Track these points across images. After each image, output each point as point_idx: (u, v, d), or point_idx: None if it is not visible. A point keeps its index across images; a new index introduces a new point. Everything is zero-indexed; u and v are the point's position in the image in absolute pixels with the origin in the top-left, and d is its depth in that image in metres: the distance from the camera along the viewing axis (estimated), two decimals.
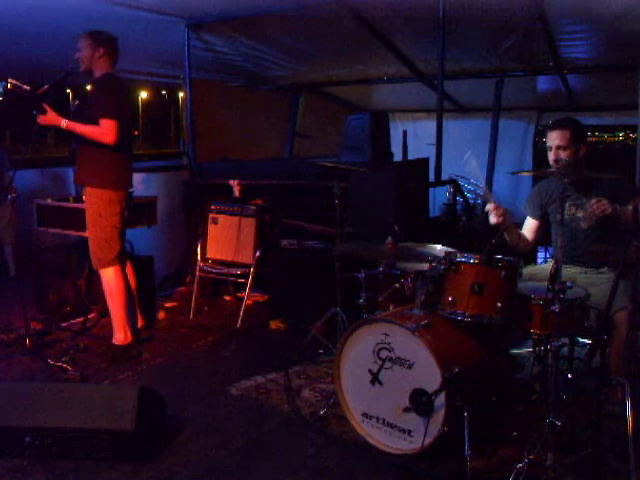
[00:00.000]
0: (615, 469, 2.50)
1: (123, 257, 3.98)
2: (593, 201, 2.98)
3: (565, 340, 3.25)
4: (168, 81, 7.28)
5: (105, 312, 4.48)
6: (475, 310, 2.71)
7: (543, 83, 6.87)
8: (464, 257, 2.80)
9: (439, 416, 2.61)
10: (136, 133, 28.48)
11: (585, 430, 2.63)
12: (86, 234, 4.07)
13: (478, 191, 7.25)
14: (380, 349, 2.82)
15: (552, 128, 3.23)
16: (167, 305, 5.07)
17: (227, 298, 5.32)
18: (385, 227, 3.75)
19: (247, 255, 4.76)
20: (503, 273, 2.71)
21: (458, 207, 5.55)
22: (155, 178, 5.75)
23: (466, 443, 2.55)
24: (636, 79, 5.00)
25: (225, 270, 4.81)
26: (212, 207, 4.98)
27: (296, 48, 5.97)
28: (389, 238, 3.23)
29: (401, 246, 3.29)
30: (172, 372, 3.79)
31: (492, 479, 2.60)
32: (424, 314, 2.85)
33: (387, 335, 2.79)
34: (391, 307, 3.14)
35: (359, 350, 2.91)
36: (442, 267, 2.84)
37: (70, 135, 3.85)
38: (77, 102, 4.03)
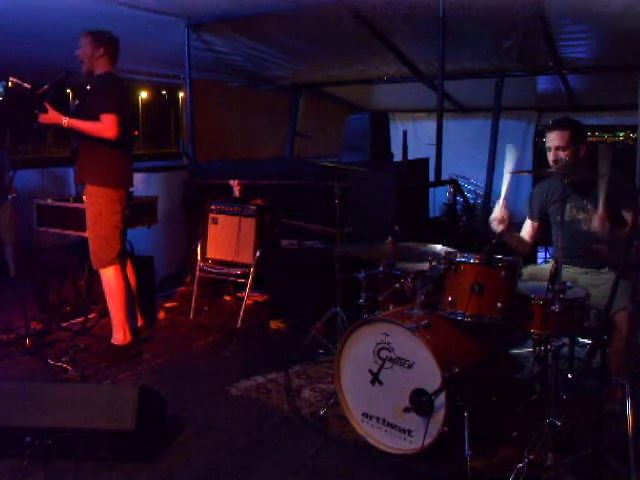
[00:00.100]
0: (615, 469, 2.50)
1: (123, 257, 3.98)
2: (595, 221, 2.99)
3: (565, 340, 3.26)
4: (168, 81, 7.28)
5: (105, 312, 4.48)
6: (475, 310, 2.71)
7: (543, 83, 6.87)
8: (464, 257, 2.80)
9: (439, 416, 2.61)
10: (136, 133, 28.46)
11: (585, 430, 2.63)
12: (86, 234, 4.07)
13: (479, 191, 7.27)
14: (380, 349, 2.82)
15: (551, 129, 3.23)
16: (167, 305, 5.07)
17: (227, 298, 5.32)
18: (385, 227, 3.75)
19: (247, 255, 4.76)
20: (503, 273, 2.71)
21: (458, 207, 5.55)
22: (155, 178, 5.75)
23: (466, 443, 2.56)
24: (636, 79, 5.00)
25: (225, 270, 4.81)
26: (212, 207, 4.98)
27: (296, 48, 5.97)
28: (389, 238, 3.23)
29: (401, 246, 3.29)
30: (172, 372, 3.79)
31: (492, 479, 2.60)
32: (424, 314, 2.85)
33: (387, 335, 2.79)
34: (391, 307, 3.14)
35: (359, 350, 2.91)
36: (442, 267, 2.84)
37: (71, 134, 3.85)
38: (77, 101, 4.03)
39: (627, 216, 3.15)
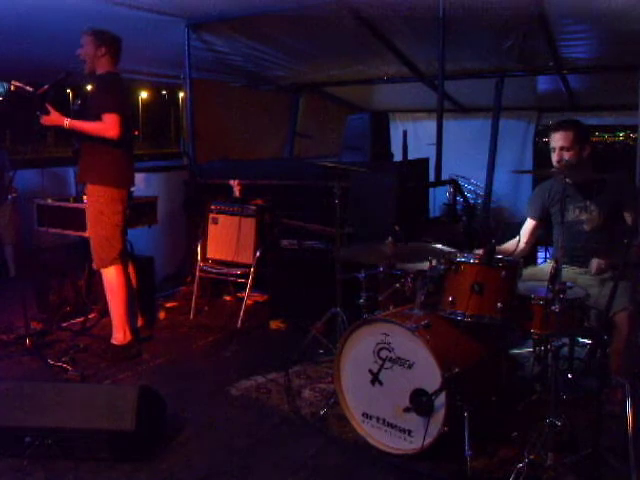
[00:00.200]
0: (615, 469, 2.50)
1: (125, 256, 3.98)
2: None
3: (565, 340, 3.26)
4: (168, 81, 7.28)
5: (105, 312, 4.48)
6: (475, 310, 2.71)
7: (543, 83, 6.87)
8: (464, 257, 2.80)
9: (439, 416, 2.61)
10: (136, 133, 28.49)
11: (585, 430, 2.62)
12: (86, 234, 4.07)
13: (479, 191, 7.27)
14: (380, 349, 2.82)
15: (555, 129, 3.22)
16: (167, 305, 5.07)
17: (227, 298, 5.31)
18: (385, 227, 3.75)
19: (247, 255, 4.76)
20: (503, 273, 2.71)
21: (458, 207, 5.54)
22: (155, 178, 5.75)
23: (466, 443, 2.56)
24: (636, 79, 5.00)
25: (225, 270, 4.81)
26: (212, 207, 4.98)
27: (296, 48, 5.97)
28: (389, 238, 3.23)
29: (401, 246, 3.29)
30: (172, 372, 3.79)
31: (492, 479, 2.60)
32: (424, 314, 2.85)
33: (387, 335, 2.79)
34: (391, 307, 3.14)
35: (359, 350, 2.91)
36: (442, 267, 2.84)
37: (72, 134, 3.85)
38: (79, 102, 4.03)
39: (628, 217, 3.15)
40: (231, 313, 4.80)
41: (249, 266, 4.69)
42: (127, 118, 3.78)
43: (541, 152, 7.62)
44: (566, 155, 3.16)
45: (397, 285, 3.16)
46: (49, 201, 4.52)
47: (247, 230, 4.80)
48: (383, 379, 2.82)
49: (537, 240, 3.60)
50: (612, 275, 3.10)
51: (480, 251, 3.14)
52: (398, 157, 5.05)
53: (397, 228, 3.41)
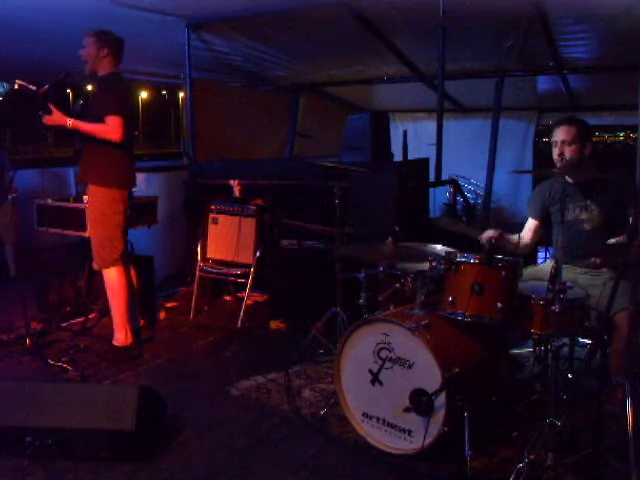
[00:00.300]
0: (615, 469, 2.49)
1: (126, 257, 3.97)
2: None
3: (565, 340, 3.26)
4: (168, 81, 7.28)
5: (105, 312, 4.49)
6: (475, 310, 2.71)
7: (543, 83, 6.87)
8: (464, 257, 2.80)
9: (439, 416, 2.61)
10: (136, 133, 28.44)
11: (585, 430, 2.62)
12: (86, 234, 4.07)
13: (479, 191, 7.27)
14: (380, 349, 2.82)
15: (558, 124, 3.22)
16: (167, 305, 5.08)
17: (227, 298, 5.31)
18: (385, 227, 3.75)
19: (247, 255, 4.76)
20: (503, 273, 2.71)
21: (458, 207, 5.55)
22: (155, 178, 5.75)
23: (466, 443, 2.56)
24: (636, 79, 5.00)
25: (225, 270, 4.81)
26: (212, 207, 4.98)
27: (296, 48, 5.97)
28: (389, 238, 3.23)
29: (401, 246, 3.29)
30: (172, 372, 3.79)
31: (492, 479, 2.60)
32: (424, 314, 2.85)
33: (387, 335, 2.79)
34: (391, 307, 3.14)
35: (359, 350, 2.91)
36: (442, 267, 2.84)
37: (73, 135, 3.84)
38: (81, 102, 4.03)
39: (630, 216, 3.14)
40: (231, 313, 4.80)
41: (249, 266, 4.69)
42: (128, 119, 3.77)
43: (541, 152, 7.62)
44: (567, 150, 3.15)
45: (397, 285, 3.16)
46: (49, 201, 4.51)
47: (247, 230, 4.80)
48: (383, 379, 2.82)
49: (539, 239, 3.60)
50: (612, 275, 3.10)
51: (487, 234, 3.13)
52: (398, 157, 5.05)
53: (397, 228, 3.42)
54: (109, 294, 3.92)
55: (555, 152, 3.20)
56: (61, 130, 3.75)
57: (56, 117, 3.68)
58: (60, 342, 4.22)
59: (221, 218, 4.93)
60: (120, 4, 4.53)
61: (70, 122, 3.68)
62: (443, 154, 4.71)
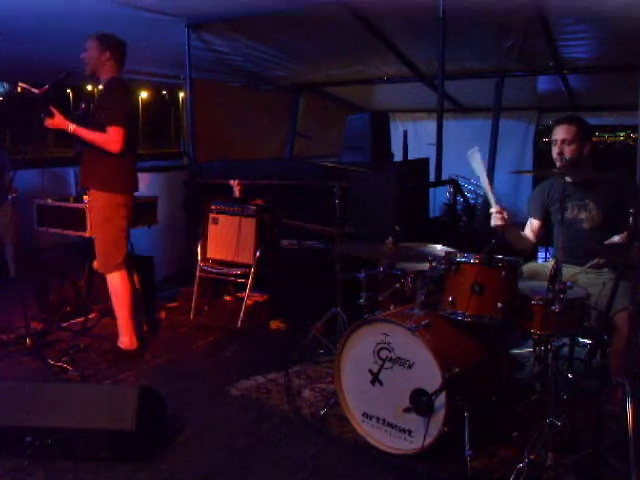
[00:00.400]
0: (615, 469, 2.49)
1: (129, 261, 3.95)
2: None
3: (565, 340, 3.25)
4: (168, 81, 7.29)
5: (105, 312, 4.49)
6: (475, 310, 2.71)
7: (543, 83, 6.87)
8: (464, 257, 2.80)
9: (439, 416, 2.61)
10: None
11: (585, 430, 2.62)
12: (86, 234, 4.07)
13: (479, 191, 7.26)
14: (380, 349, 2.82)
15: (558, 122, 3.22)
16: (168, 305, 5.08)
17: (227, 298, 5.31)
18: (385, 227, 3.75)
19: (247, 255, 4.76)
20: (503, 273, 2.71)
21: (458, 207, 5.54)
22: (155, 178, 5.75)
23: (466, 443, 2.56)
24: (636, 79, 5.00)
25: (225, 270, 4.81)
26: (212, 207, 4.98)
27: (296, 48, 5.97)
28: (389, 238, 3.23)
29: (401, 246, 3.29)
30: (172, 372, 3.79)
31: (492, 479, 2.60)
32: (424, 314, 2.85)
33: (387, 335, 2.79)
34: (391, 307, 3.14)
35: (359, 350, 2.90)
36: (442, 267, 2.84)
37: (74, 139, 3.83)
38: (83, 106, 4.02)
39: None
40: (231, 313, 4.80)
41: (249, 266, 4.69)
42: (129, 118, 3.75)
43: (541, 152, 7.62)
44: (567, 149, 3.15)
45: (397, 285, 3.16)
46: (49, 201, 4.51)
47: (247, 230, 4.80)
48: (383, 379, 2.82)
49: (541, 239, 3.60)
50: (612, 275, 3.10)
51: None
52: (398, 157, 5.06)
53: (397, 228, 3.42)
54: (113, 299, 3.90)
55: (555, 151, 3.20)
56: (64, 134, 3.74)
57: (58, 121, 3.68)
58: (60, 342, 4.22)
59: (221, 218, 4.93)
60: (121, 4, 4.53)
61: (72, 127, 3.67)
62: (443, 154, 4.71)
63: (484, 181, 3.19)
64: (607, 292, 2.63)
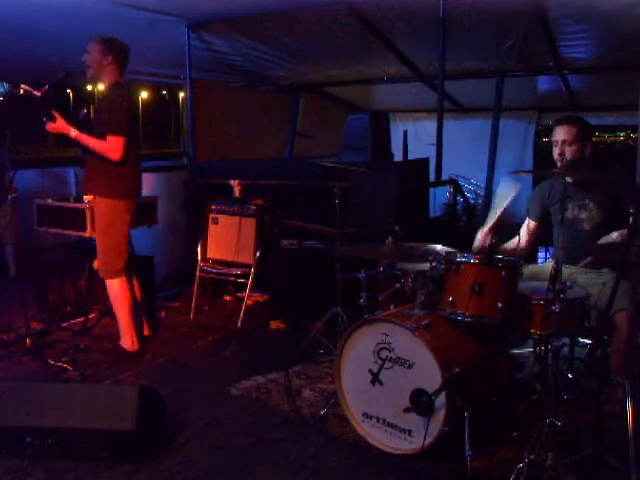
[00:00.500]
0: (615, 469, 2.49)
1: (129, 266, 3.93)
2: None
3: (565, 340, 3.25)
4: (168, 81, 7.29)
5: (105, 312, 4.49)
6: (475, 310, 2.71)
7: (544, 83, 6.87)
8: (464, 257, 2.80)
9: (439, 416, 2.61)
10: None
11: (585, 430, 2.62)
12: (86, 234, 4.07)
13: (479, 191, 7.27)
14: (380, 349, 2.82)
15: (559, 123, 3.22)
16: (168, 305, 5.08)
17: (227, 298, 5.31)
18: (385, 227, 3.75)
19: (247, 255, 4.76)
20: (503, 273, 2.71)
21: (458, 207, 5.54)
22: (155, 178, 5.75)
23: (466, 443, 2.56)
24: (637, 79, 5.00)
25: (225, 270, 4.81)
26: (212, 207, 4.98)
27: (296, 48, 5.97)
28: (389, 238, 3.23)
29: (401, 246, 3.29)
30: (172, 372, 3.79)
31: (492, 479, 2.60)
32: (424, 314, 2.85)
33: (387, 335, 2.79)
34: (391, 307, 3.14)
35: (359, 350, 2.90)
36: (442, 267, 2.84)
37: (77, 145, 3.83)
38: (85, 111, 4.01)
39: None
40: (231, 313, 4.80)
41: (249, 266, 4.69)
42: (130, 125, 3.74)
43: (541, 152, 7.62)
44: (567, 150, 3.15)
45: (397, 285, 3.16)
46: (49, 201, 4.51)
47: (247, 230, 4.80)
48: (383, 379, 2.82)
49: (537, 240, 3.60)
50: (612, 275, 3.10)
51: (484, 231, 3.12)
52: (398, 157, 5.06)
53: (397, 228, 3.41)
54: (113, 303, 3.90)
55: (556, 152, 3.20)
56: (65, 139, 3.74)
57: (60, 125, 3.67)
58: (60, 342, 4.22)
59: (221, 218, 4.93)
60: (121, 4, 4.53)
61: (74, 133, 3.67)
62: (443, 154, 4.71)
63: (499, 208, 3.18)
64: (607, 292, 2.63)
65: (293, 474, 2.67)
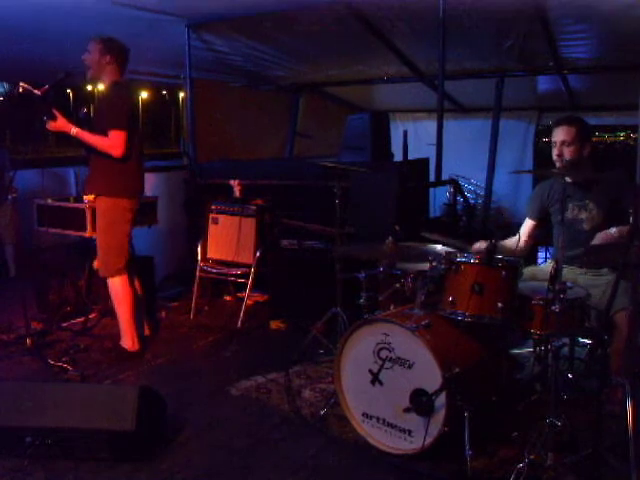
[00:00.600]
0: (615, 469, 2.50)
1: (130, 265, 3.93)
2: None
3: (566, 340, 3.25)
4: (169, 81, 7.29)
5: (105, 312, 4.49)
6: (475, 310, 2.71)
7: (544, 83, 6.86)
8: (464, 257, 2.80)
9: (439, 416, 2.61)
10: None
11: (585, 430, 2.62)
12: (86, 234, 4.07)
13: (479, 191, 7.27)
14: (380, 349, 2.82)
15: (558, 124, 3.22)
16: (168, 305, 5.08)
17: (227, 298, 5.32)
18: (385, 227, 3.75)
19: (247, 255, 4.76)
20: (503, 273, 2.71)
21: (458, 207, 5.54)
22: (155, 178, 5.75)
23: (466, 443, 2.56)
24: (637, 79, 5.00)
25: (225, 270, 4.81)
26: (212, 207, 4.98)
27: (296, 48, 5.97)
28: (389, 238, 3.23)
29: (401, 246, 3.29)
30: (172, 372, 3.79)
31: (492, 479, 2.60)
32: (424, 314, 2.85)
33: (387, 335, 2.79)
34: (391, 307, 3.14)
35: (359, 350, 2.90)
36: (442, 267, 2.84)
37: (79, 144, 3.83)
38: (85, 110, 4.01)
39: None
40: (231, 313, 4.80)
41: (249, 266, 4.69)
42: (131, 122, 3.74)
43: (541, 152, 7.62)
44: (566, 151, 3.15)
45: (397, 285, 3.16)
46: (49, 201, 4.51)
47: (247, 230, 4.80)
48: (383, 379, 2.82)
49: (536, 240, 3.60)
50: (613, 277, 3.09)
51: (479, 245, 3.15)
52: (398, 157, 5.05)
53: (397, 228, 3.41)
54: (114, 302, 3.91)
55: (554, 152, 3.20)
56: (66, 137, 3.74)
57: (60, 124, 3.67)
58: (60, 342, 4.22)
59: (221, 218, 4.93)
60: (121, 4, 4.53)
61: (74, 131, 3.67)
62: (443, 154, 4.71)
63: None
64: (607, 292, 2.63)
65: (293, 474, 2.67)
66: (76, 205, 4.32)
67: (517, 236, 3.47)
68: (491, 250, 2.77)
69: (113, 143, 3.63)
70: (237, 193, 5.19)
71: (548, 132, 3.39)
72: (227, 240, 4.87)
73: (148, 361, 3.94)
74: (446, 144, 4.71)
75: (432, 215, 5.71)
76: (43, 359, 3.79)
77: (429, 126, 6.83)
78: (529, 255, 3.73)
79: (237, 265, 4.78)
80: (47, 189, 4.72)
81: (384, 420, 2.82)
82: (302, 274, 4.56)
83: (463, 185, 5.83)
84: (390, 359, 2.78)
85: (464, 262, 2.77)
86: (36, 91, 3.67)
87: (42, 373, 3.68)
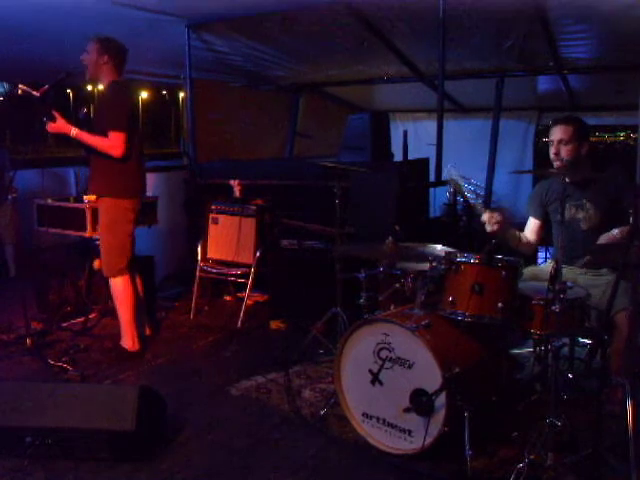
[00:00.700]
0: (615, 469, 2.50)
1: (132, 265, 3.94)
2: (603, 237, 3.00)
3: (566, 340, 3.25)
4: (169, 81, 7.29)
5: (106, 312, 4.49)
6: (475, 310, 2.71)
7: (544, 83, 6.87)
8: (464, 257, 2.80)
9: (439, 416, 2.61)
10: None
11: (585, 430, 2.62)
12: (86, 234, 4.07)
13: (479, 191, 7.26)
14: (380, 349, 2.82)
15: (555, 123, 3.23)
16: (168, 305, 5.07)
17: (227, 298, 5.32)
18: (385, 227, 3.75)
19: (247, 255, 4.76)
20: (504, 273, 2.71)
21: (458, 207, 5.55)
22: (155, 178, 5.74)
23: (466, 443, 2.56)
24: (637, 79, 5.00)
25: (225, 270, 4.81)
26: (212, 207, 4.98)
27: (296, 48, 5.97)
28: (389, 238, 3.23)
29: (401, 246, 3.29)
30: (172, 372, 3.79)
31: (492, 479, 2.60)
32: (424, 314, 2.85)
33: (387, 335, 2.79)
34: (391, 307, 3.14)
35: (359, 350, 2.90)
36: (442, 267, 2.84)
37: (79, 145, 3.83)
38: (85, 110, 4.01)
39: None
40: (231, 313, 4.80)
41: (249, 266, 4.69)
42: (131, 122, 3.74)
43: (541, 152, 7.61)
44: (563, 150, 3.15)
45: (397, 285, 3.16)
46: (49, 201, 4.52)
47: (247, 230, 4.80)
48: (383, 379, 2.82)
49: (542, 239, 3.59)
50: (613, 277, 3.09)
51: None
52: (398, 157, 5.05)
53: (397, 228, 3.42)
54: (115, 302, 3.91)
55: (552, 151, 3.20)
56: (66, 138, 3.74)
57: (60, 125, 3.67)
58: (60, 342, 4.22)
59: (221, 218, 4.93)
60: (121, 4, 4.53)
61: (74, 132, 3.67)
62: (443, 154, 4.71)
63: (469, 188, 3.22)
64: (607, 292, 2.63)
65: (293, 474, 2.67)
66: (76, 205, 4.32)
67: (522, 235, 3.46)
68: (491, 250, 2.77)
69: (113, 144, 3.63)
70: (237, 193, 5.19)
71: (548, 132, 3.39)
72: (227, 240, 4.87)
73: (148, 361, 3.94)
74: (446, 144, 4.71)
75: (432, 215, 5.70)
76: (43, 359, 3.79)
77: (429, 126, 6.84)
78: (530, 255, 3.73)
79: (237, 265, 4.78)
80: (47, 189, 4.72)
81: (384, 420, 2.82)
82: (302, 274, 4.55)
83: (463, 185, 5.82)
84: (390, 359, 2.78)
85: (464, 262, 2.77)
86: (35, 92, 3.67)
87: (42, 373, 3.68)
